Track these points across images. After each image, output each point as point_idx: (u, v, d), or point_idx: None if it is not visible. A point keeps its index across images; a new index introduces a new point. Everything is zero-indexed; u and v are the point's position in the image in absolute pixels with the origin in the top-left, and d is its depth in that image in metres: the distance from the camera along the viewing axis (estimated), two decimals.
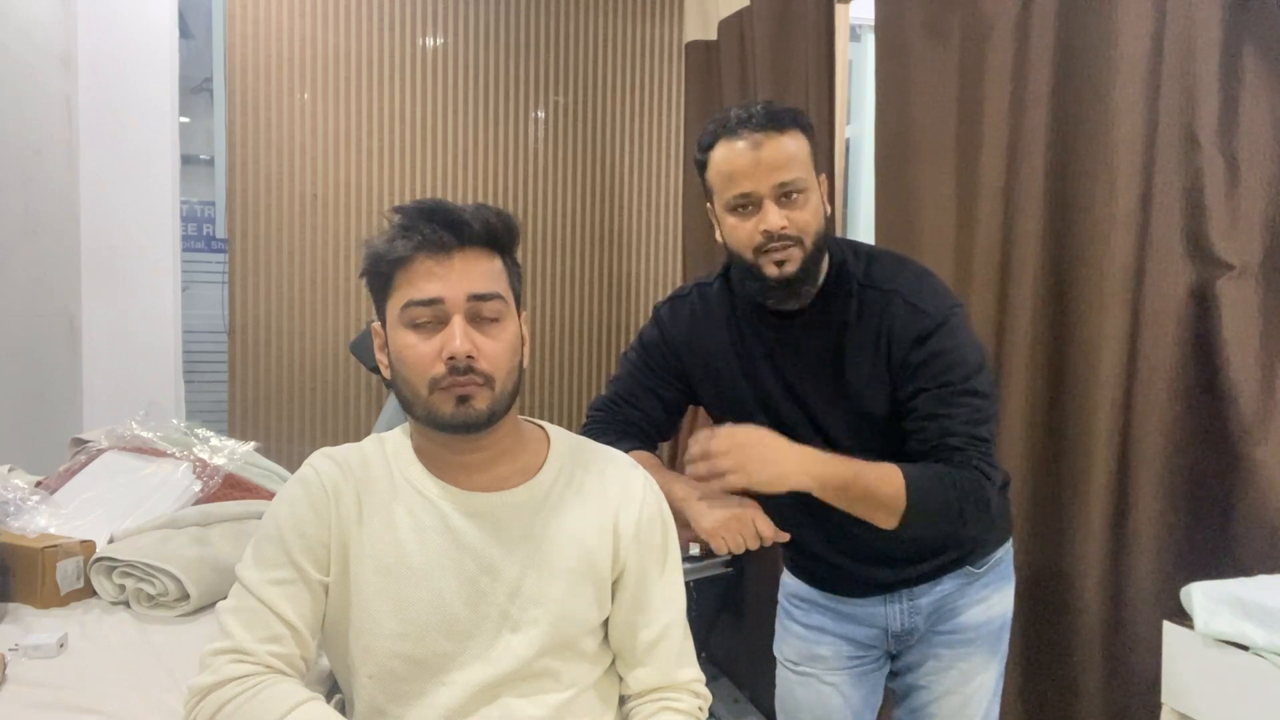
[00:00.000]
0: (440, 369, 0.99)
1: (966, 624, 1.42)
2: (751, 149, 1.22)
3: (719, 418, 1.46)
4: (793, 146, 1.23)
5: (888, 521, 1.22)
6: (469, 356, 0.99)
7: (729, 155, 1.25)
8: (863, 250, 1.36)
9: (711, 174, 1.28)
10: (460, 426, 1.01)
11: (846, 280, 1.31)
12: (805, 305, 1.32)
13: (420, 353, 1.00)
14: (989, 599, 1.43)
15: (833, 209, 2.29)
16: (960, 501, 1.22)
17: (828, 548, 1.41)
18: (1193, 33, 1.53)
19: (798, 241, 1.24)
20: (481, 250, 1.03)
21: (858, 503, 1.23)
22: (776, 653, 1.56)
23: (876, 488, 1.21)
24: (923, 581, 1.41)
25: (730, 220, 1.27)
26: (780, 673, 1.55)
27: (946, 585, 1.42)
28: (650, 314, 1.50)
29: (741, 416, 1.39)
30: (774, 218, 1.23)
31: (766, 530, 1.22)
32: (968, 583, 1.42)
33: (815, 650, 1.49)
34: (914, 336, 1.25)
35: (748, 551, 1.24)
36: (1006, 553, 1.47)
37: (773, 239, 1.23)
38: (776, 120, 1.23)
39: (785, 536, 1.25)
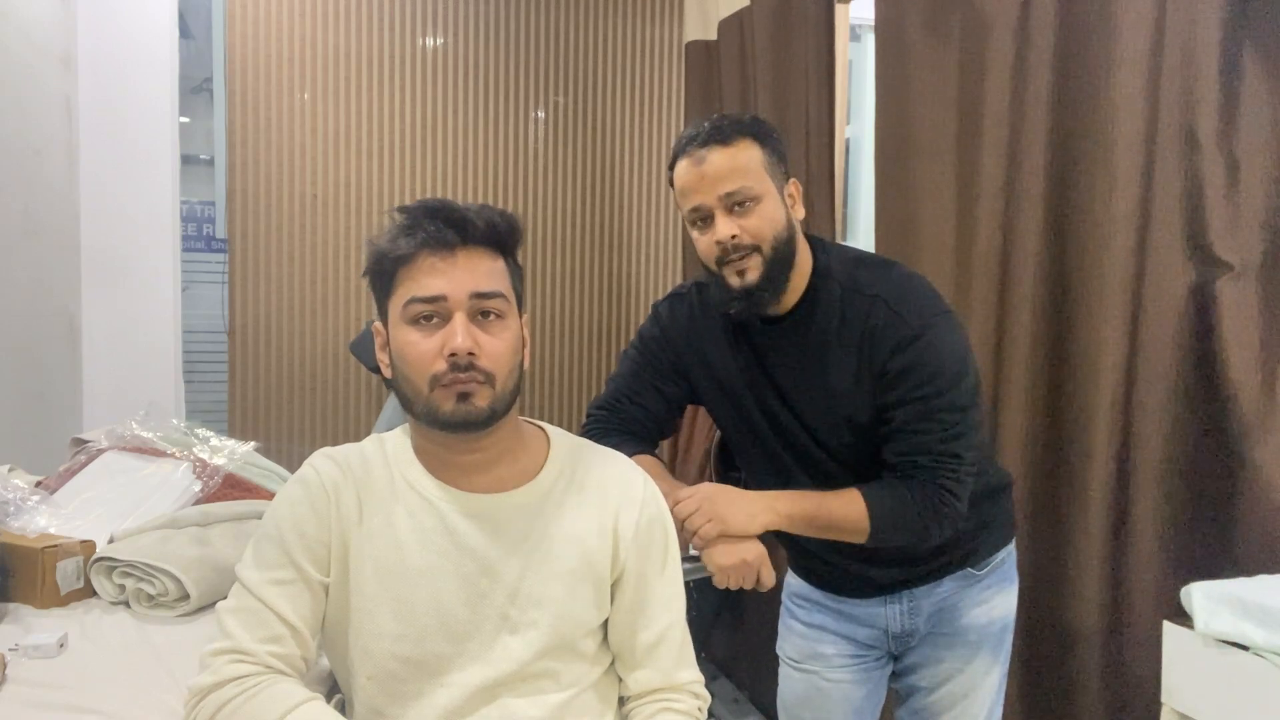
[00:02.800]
0: (441, 366, 0.99)
1: (968, 626, 1.42)
2: (696, 164, 1.26)
3: (721, 420, 1.47)
4: (740, 157, 1.25)
5: (856, 540, 1.28)
6: (470, 354, 0.99)
7: (681, 173, 1.29)
8: (849, 255, 1.36)
9: (675, 193, 1.32)
10: (460, 424, 1.01)
11: (830, 285, 1.31)
12: (790, 310, 1.32)
13: (421, 350, 1.00)
14: (991, 600, 1.43)
15: (833, 211, 2.30)
16: (922, 517, 1.26)
17: (828, 548, 1.41)
18: (1193, 33, 1.53)
19: (755, 249, 1.25)
20: (485, 249, 1.03)
21: (825, 531, 1.29)
22: (779, 651, 1.57)
23: (841, 515, 1.27)
24: (923, 583, 1.42)
25: (693, 234, 1.31)
26: (783, 671, 1.56)
27: (947, 586, 1.42)
28: (650, 312, 1.50)
29: (743, 421, 1.41)
30: (723, 228, 1.25)
31: (768, 580, 1.28)
32: (969, 584, 1.42)
33: (818, 649, 1.49)
34: (894, 343, 1.25)
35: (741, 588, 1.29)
36: (1009, 555, 1.47)
37: (729, 250, 1.25)
38: (720, 133, 1.25)
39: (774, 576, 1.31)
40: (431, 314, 1.00)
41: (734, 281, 1.27)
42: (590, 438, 1.31)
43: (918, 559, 1.39)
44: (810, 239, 1.36)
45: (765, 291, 1.27)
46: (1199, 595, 1.27)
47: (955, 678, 1.44)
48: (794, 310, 1.33)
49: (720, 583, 1.28)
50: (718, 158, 1.24)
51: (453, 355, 0.99)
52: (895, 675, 1.52)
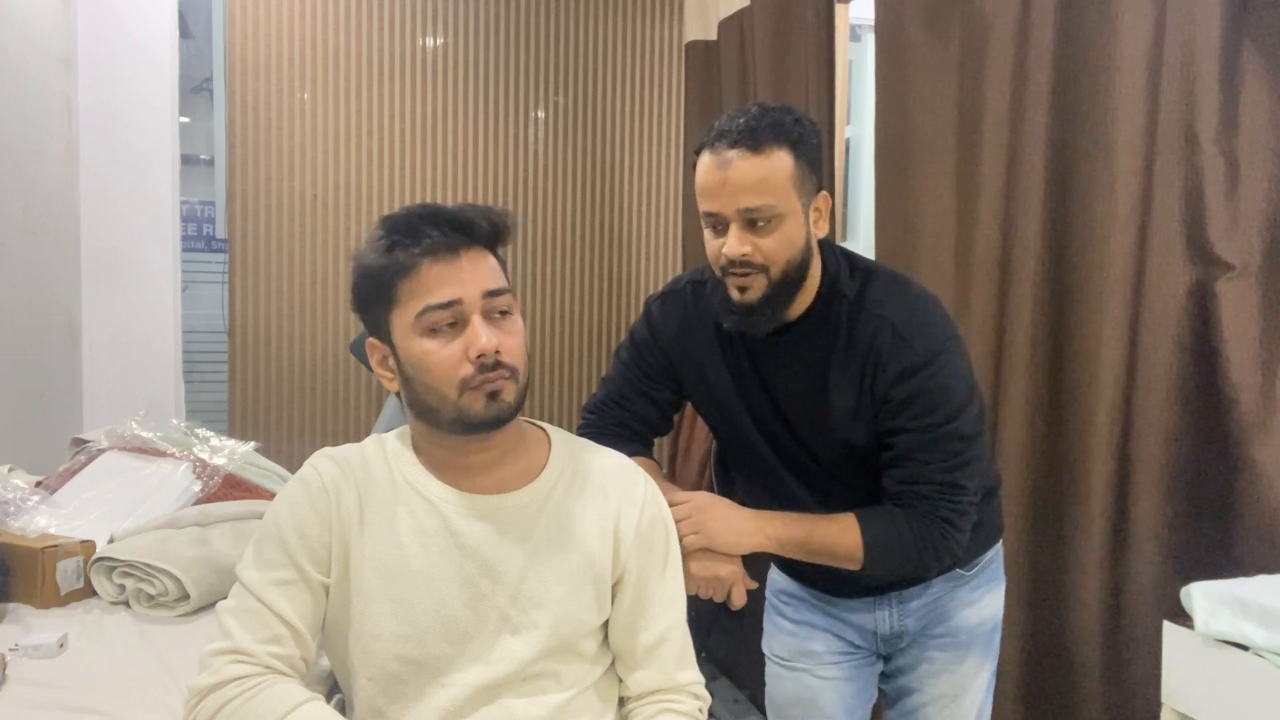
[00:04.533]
0: (469, 369, 0.99)
1: (959, 626, 1.41)
2: (720, 166, 1.16)
3: (712, 424, 1.45)
4: (768, 168, 1.15)
5: (849, 567, 1.26)
6: (496, 351, 0.99)
7: (703, 169, 1.19)
8: (860, 266, 1.30)
9: (695, 184, 1.23)
10: (492, 422, 1.01)
11: (837, 299, 1.26)
12: (794, 322, 1.27)
13: (443, 357, 0.99)
14: (980, 601, 1.42)
15: (833, 211, 2.29)
16: (919, 551, 1.24)
17: None
18: (1193, 33, 1.53)
19: (762, 269, 1.18)
20: (484, 249, 1.03)
21: (816, 557, 1.27)
22: (765, 649, 1.54)
23: (834, 543, 1.25)
24: (912, 584, 1.40)
25: (705, 233, 1.24)
26: (770, 670, 1.54)
27: (937, 588, 1.40)
28: (643, 309, 1.45)
29: (734, 428, 1.38)
30: (734, 244, 1.17)
31: (739, 600, 1.27)
32: (958, 585, 1.41)
33: (807, 646, 1.47)
34: (899, 371, 1.21)
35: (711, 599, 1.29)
36: (997, 554, 1.46)
37: (735, 264, 1.19)
38: (753, 138, 1.15)
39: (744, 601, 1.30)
40: (449, 320, 1.00)
41: (734, 295, 1.22)
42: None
43: None
44: (823, 246, 1.29)
45: (763, 314, 1.22)
46: (1199, 595, 1.27)
47: (946, 679, 1.42)
48: (798, 322, 1.27)
49: (689, 589, 1.25)
50: (745, 166, 1.15)
51: (481, 356, 0.99)
52: (885, 677, 1.50)
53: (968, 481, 1.24)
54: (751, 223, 1.17)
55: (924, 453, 1.22)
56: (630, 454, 1.26)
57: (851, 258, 1.32)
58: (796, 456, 1.34)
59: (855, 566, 1.25)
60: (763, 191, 1.16)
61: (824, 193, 1.24)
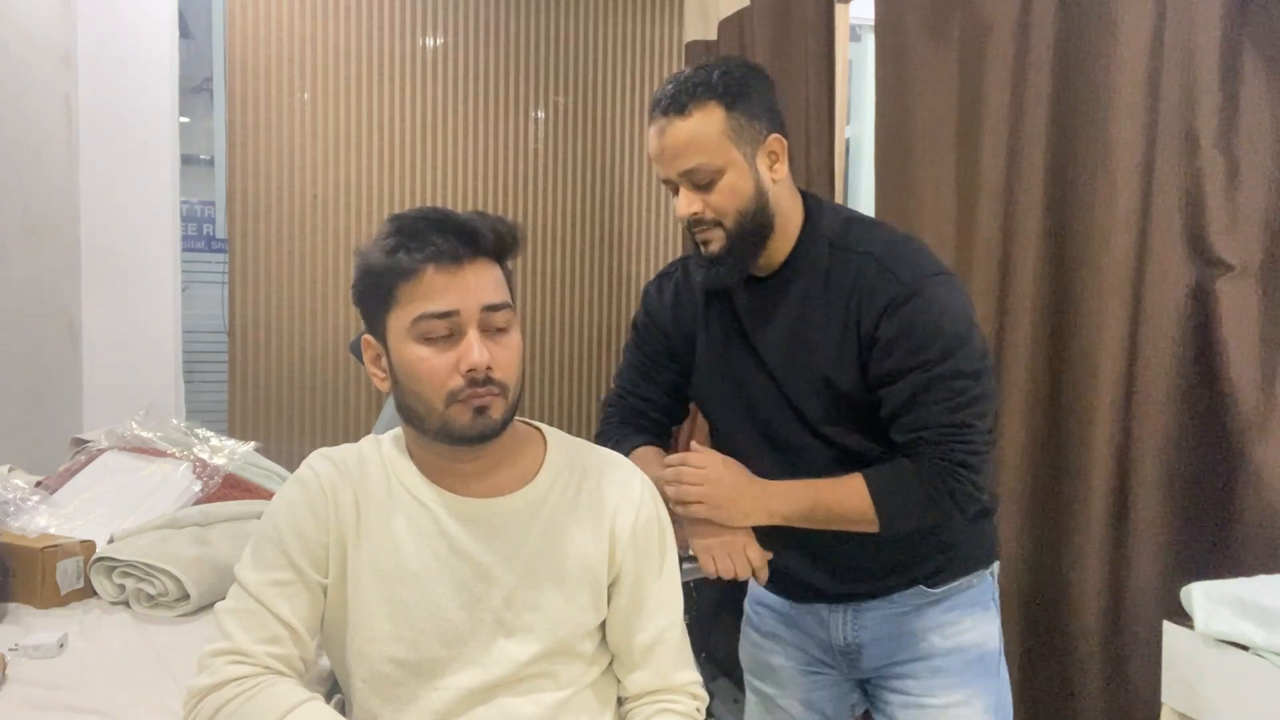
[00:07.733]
0: (458, 382, 0.98)
1: (930, 650, 1.30)
2: (658, 135, 1.20)
3: (703, 398, 1.41)
4: (695, 129, 1.17)
5: (868, 530, 1.20)
6: (487, 368, 0.99)
7: (649, 140, 1.23)
8: (843, 213, 1.28)
9: None
10: (476, 437, 1.01)
11: (818, 243, 1.24)
12: (775, 270, 1.26)
13: (434, 366, 0.99)
14: (957, 624, 1.31)
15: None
16: (933, 500, 1.17)
17: (783, 546, 1.29)
18: (1193, 33, 1.53)
19: (716, 223, 1.20)
20: (490, 260, 1.02)
21: (828, 524, 1.21)
22: (740, 656, 1.52)
23: (843, 509, 1.20)
24: (869, 599, 1.32)
25: (673, 200, 1.25)
26: (745, 679, 1.51)
27: (898, 602, 1.31)
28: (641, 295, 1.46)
29: (719, 397, 1.35)
30: (682, 205, 1.21)
31: (756, 558, 1.21)
32: (923, 604, 1.31)
33: (768, 659, 1.44)
34: (884, 304, 1.16)
35: (735, 578, 1.23)
36: (982, 581, 1.33)
37: (690, 223, 1.22)
38: (677, 102, 1.17)
39: (767, 560, 1.24)
40: (444, 330, 0.99)
41: (702, 249, 1.24)
42: (602, 437, 1.30)
43: (866, 574, 1.31)
44: (806, 196, 1.28)
45: (726, 264, 1.22)
46: (1199, 595, 1.27)
47: (924, 713, 1.31)
48: (780, 269, 1.26)
49: (706, 568, 1.22)
50: (674, 130, 1.18)
51: (471, 371, 0.98)
52: (869, 714, 1.43)
53: (976, 420, 1.16)
54: (695, 183, 1.20)
55: (925, 394, 1.15)
56: (640, 444, 1.26)
57: (836, 207, 1.31)
58: (784, 421, 1.28)
59: (873, 528, 1.19)
60: (694, 152, 1.18)
61: (775, 135, 1.22)
